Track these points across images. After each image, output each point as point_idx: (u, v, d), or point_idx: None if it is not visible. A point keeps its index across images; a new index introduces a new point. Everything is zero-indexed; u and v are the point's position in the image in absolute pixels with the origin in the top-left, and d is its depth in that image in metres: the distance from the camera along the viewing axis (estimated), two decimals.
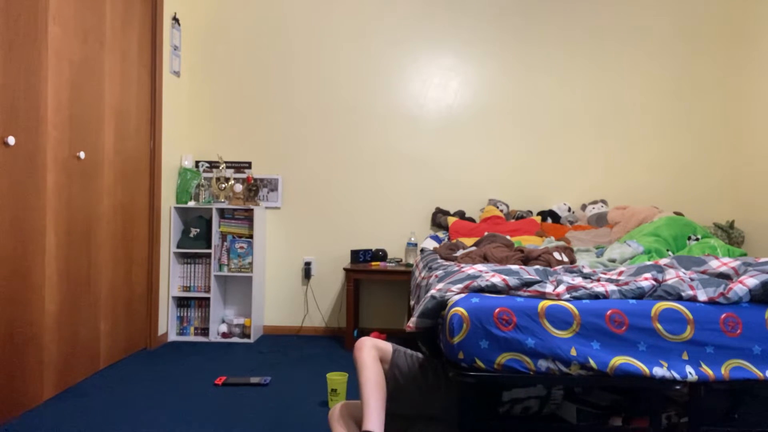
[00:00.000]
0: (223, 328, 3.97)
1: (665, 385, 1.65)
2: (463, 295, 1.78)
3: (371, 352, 1.82)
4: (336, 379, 2.63)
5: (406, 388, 1.86)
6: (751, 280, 1.73)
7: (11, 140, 2.38)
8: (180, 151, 4.09)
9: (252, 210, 3.97)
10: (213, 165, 4.21)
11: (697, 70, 4.11)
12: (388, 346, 1.90)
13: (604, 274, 2.06)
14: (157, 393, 2.81)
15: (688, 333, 1.67)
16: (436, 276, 2.16)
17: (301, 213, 4.24)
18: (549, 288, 1.78)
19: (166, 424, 2.41)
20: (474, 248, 2.83)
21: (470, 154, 4.18)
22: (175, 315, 3.96)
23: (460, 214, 4.03)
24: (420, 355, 1.96)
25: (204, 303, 3.97)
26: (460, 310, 1.69)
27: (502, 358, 1.66)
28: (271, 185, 4.22)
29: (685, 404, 1.88)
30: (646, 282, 1.82)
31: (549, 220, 3.93)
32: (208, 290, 3.95)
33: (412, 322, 1.90)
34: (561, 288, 1.78)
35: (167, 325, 3.90)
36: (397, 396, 1.84)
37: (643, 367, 1.64)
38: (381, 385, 1.74)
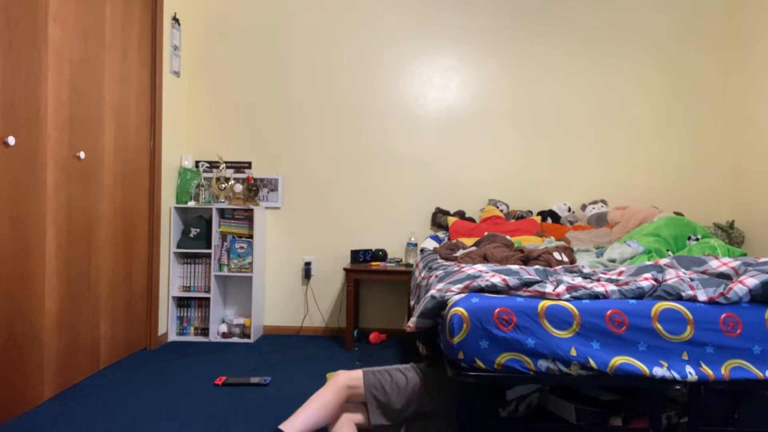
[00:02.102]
0: (223, 328, 3.97)
1: (665, 385, 1.65)
2: (463, 295, 1.78)
3: (337, 380, 2.05)
4: None
5: (385, 398, 2.01)
6: (751, 280, 1.73)
7: (11, 140, 2.38)
8: (180, 151, 4.09)
9: (252, 210, 3.96)
10: (213, 165, 4.21)
11: (697, 70, 4.11)
12: (357, 372, 2.09)
13: (604, 274, 2.06)
14: (157, 393, 2.81)
15: (688, 333, 1.67)
16: (436, 276, 2.16)
17: (301, 213, 4.24)
18: (549, 288, 1.78)
19: (166, 424, 2.41)
20: (474, 248, 2.83)
21: (470, 154, 4.18)
22: (175, 315, 3.96)
23: (460, 214, 4.03)
24: (395, 367, 2.11)
25: (204, 303, 3.97)
26: (460, 310, 1.69)
27: (502, 358, 1.66)
28: (271, 185, 4.22)
29: (685, 404, 1.88)
30: (646, 282, 1.82)
31: (549, 220, 3.93)
32: (208, 290, 3.95)
33: (412, 322, 1.91)
34: (561, 288, 1.78)
35: (167, 325, 3.90)
36: (380, 408, 2.01)
37: (643, 367, 1.64)
38: (323, 403, 1.98)
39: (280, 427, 1.91)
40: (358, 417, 2.06)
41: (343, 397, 2.03)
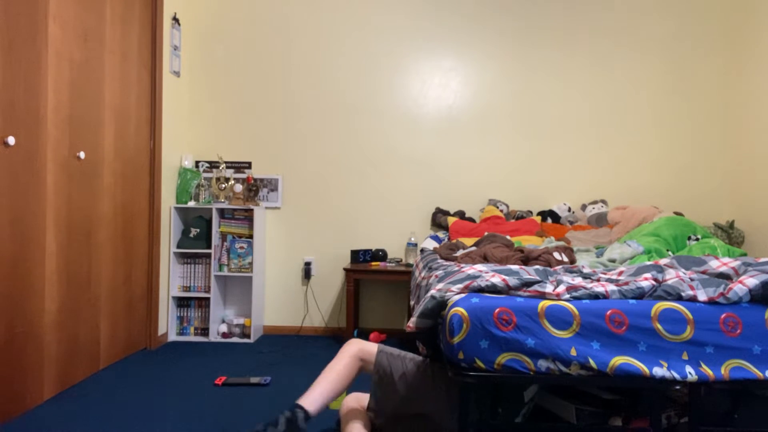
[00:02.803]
0: (223, 328, 3.97)
1: (665, 385, 1.65)
2: (463, 295, 1.78)
3: (350, 349, 2.02)
4: None
5: (390, 385, 1.97)
6: (751, 280, 1.73)
7: (11, 140, 2.38)
8: (180, 151, 4.09)
9: (252, 210, 3.97)
10: (213, 165, 4.21)
11: (697, 70, 4.11)
12: (372, 347, 2.03)
13: (604, 274, 2.06)
14: (157, 393, 2.81)
15: (688, 333, 1.67)
16: (436, 276, 2.16)
17: (301, 213, 4.24)
18: (549, 288, 1.78)
19: (166, 424, 2.41)
20: (474, 248, 2.83)
21: (470, 154, 4.18)
22: (175, 315, 3.96)
23: (460, 214, 4.03)
24: (411, 356, 2.04)
25: (204, 303, 3.97)
26: (460, 310, 1.69)
27: (502, 358, 1.66)
28: (271, 185, 4.22)
29: (685, 404, 1.88)
30: (646, 282, 1.82)
31: (549, 220, 3.93)
32: (208, 290, 3.95)
33: (412, 322, 1.90)
34: (561, 288, 1.78)
35: (167, 325, 3.90)
36: (381, 393, 1.97)
37: (643, 367, 1.64)
38: (338, 374, 1.96)
39: (298, 402, 1.89)
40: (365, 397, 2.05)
41: (356, 367, 2.01)
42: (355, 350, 2.02)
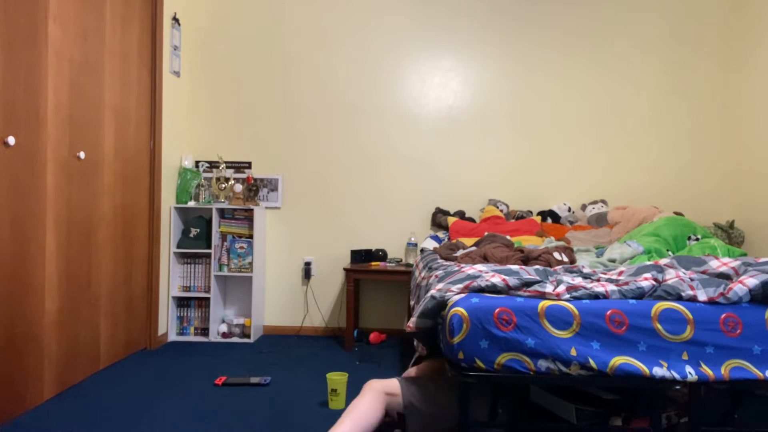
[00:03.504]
0: (223, 328, 3.97)
1: (665, 385, 1.65)
2: (463, 295, 1.78)
3: (374, 386, 1.95)
4: (336, 379, 2.63)
5: (426, 406, 1.94)
6: (751, 280, 1.73)
7: (11, 140, 2.38)
8: (180, 151, 4.09)
9: (252, 210, 3.97)
10: (213, 165, 4.21)
11: (696, 69, 4.10)
12: (393, 380, 2.00)
13: (604, 274, 2.06)
14: (157, 393, 2.81)
15: (688, 333, 1.67)
16: (436, 276, 2.16)
17: (301, 213, 4.24)
18: (549, 288, 1.78)
19: (166, 424, 2.41)
20: (474, 248, 2.83)
21: (470, 154, 4.18)
22: (175, 315, 3.96)
23: (460, 214, 4.03)
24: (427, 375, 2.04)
25: (204, 303, 3.97)
26: (460, 310, 1.69)
27: (502, 358, 1.66)
28: (271, 185, 4.22)
29: (685, 404, 1.88)
30: (646, 282, 1.82)
31: (549, 220, 3.93)
32: (208, 290, 3.95)
33: (412, 322, 1.90)
34: (561, 288, 1.78)
35: (167, 325, 3.90)
36: (422, 418, 1.93)
37: (643, 367, 1.64)
38: (365, 407, 1.88)
39: None
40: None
41: (382, 401, 1.94)
42: (379, 386, 1.96)
